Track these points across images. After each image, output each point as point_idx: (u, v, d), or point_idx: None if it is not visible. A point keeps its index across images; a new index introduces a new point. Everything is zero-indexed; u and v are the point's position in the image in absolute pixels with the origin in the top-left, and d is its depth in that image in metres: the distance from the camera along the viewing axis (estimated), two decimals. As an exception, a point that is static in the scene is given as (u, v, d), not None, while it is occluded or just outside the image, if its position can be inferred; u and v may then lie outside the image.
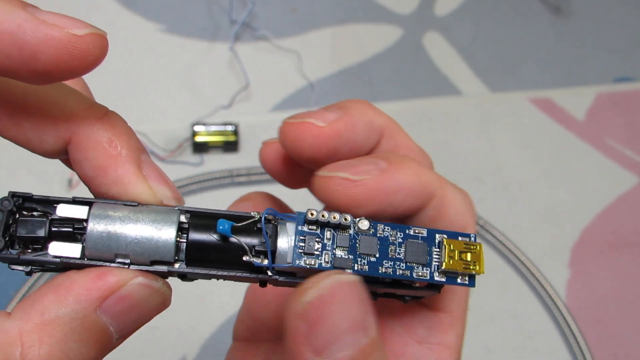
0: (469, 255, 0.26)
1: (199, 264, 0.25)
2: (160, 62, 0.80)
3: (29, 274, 0.25)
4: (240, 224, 0.25)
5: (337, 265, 0.25)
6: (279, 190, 0.77)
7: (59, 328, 0.22)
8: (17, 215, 0.24)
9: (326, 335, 0.23)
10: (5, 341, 0.22)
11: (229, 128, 0.74)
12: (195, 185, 0.73)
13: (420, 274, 0.26)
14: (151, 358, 0.64)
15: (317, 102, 0.79)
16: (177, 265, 0.25)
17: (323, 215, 0.25)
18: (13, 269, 0.25)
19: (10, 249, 0.24)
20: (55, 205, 0.25)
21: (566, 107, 0.82)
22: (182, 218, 0.25)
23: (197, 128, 0.73)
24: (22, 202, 0.25)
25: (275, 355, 0.36)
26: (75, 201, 0.25)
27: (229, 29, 0.83)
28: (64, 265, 0.24)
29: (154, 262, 0.25)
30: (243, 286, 0.66)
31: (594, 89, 0.84)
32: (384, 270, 0.26)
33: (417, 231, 0.26)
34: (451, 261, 0.26)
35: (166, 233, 0.24)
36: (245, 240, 0.25)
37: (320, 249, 0.25)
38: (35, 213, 0.25)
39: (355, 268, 0.25)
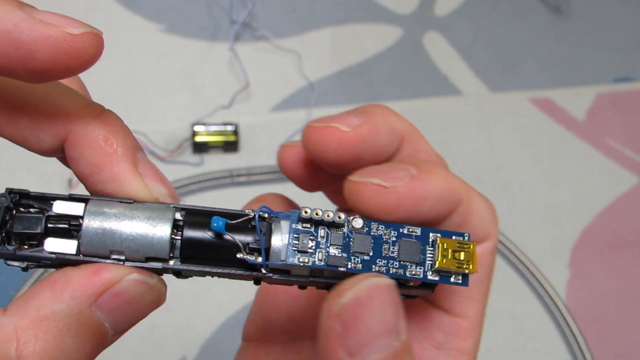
0: (462, 254, 0.26)
1: (193, 261, 0.25)
2: (160, 62, 0.80)
3: (25, 269, 0.25)
4: (235, 222, 0.25)
5: (330, 264, 0.25)
6: (283, 191, 0.77)
7: (54, 324, 0.22)
8: (14, 212, 0.24)
9: (361, 337, 0.24)
10: (0, 337, 0.22)
11: (229, 128, 0.74)
12: (195, 185, 0.73)
13: (413, 272, 0.26)
14: (150, 357, 0.64)
15: (317, 102, 0.79)
16: (171, 262, 0.25)
17: (317, 214, 0.25)
18: (9, 265, 0.25)
19: (6, 245, 0.24)
20: (51, 202, 0.25)
21: (566, 107, 0.82)
22: (177, 215, 0.25)
23: (197, 128, 0.73)
24: (19, 198, 0.25)
25: (287, 356, 0.36)
26: (71, 198, 0.25)
27: (229, 29, 0.83)
28: (60, 262, 0.24)
29: (149, 259, 0.25)
30: (243, 285, 0.66)
31: (594, 89, 0.84)
32: (377, 269, 0.26)
33: (411, 230, 0.26)
34: (444, 260, 0.26)
35: (161, 230, 0.25)
36: (240, 238, 0.25)
37: (314, 247, 0.25)
38: (31, 210, 0.25)
39: (349, 266, 0.25)
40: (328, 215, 0.25)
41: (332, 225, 0.26)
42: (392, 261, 0.26)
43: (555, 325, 0.69)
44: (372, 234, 0.26)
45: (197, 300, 0.67)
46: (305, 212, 0.25)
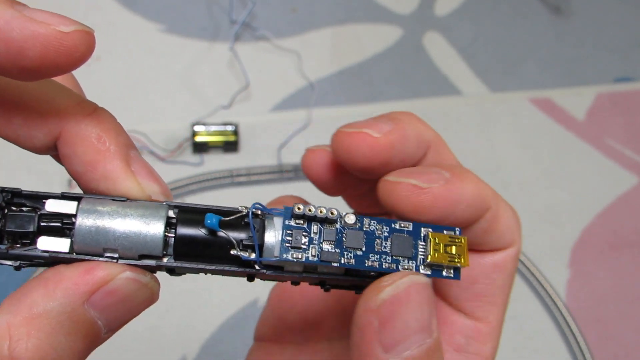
0: (453, 248, 0.26)
1: (187, 258, 0.25)
2: (160, 62, 0.80)
3: (17, 269, 0.25)
4: (228, 218, 0.25)
5: (323, 259, 0.25)
6: (282, 191, 0.77)
7: (47, 322, 0.22)
8: (6, 210, 0.24)
9: (397, 333, 0.24)
10: None
11: (229, 128, 0.74)
12: (195, 185, 0.73)
13: (406, 267, 0.26)
14: (150, 357, 0.64)
15: (317, 102, 0.79)
16: (165, 260, 0.25)
17: (310, 210, 0.25)
18: (1, 264, 0.25)
19: None
20: (44, 200, 0.25)
21: (566, 107, 0.82)
22: (171, 213, 0.25)
23: (197, 128, 0.73)
24: (11, 197, 0.25)
25: (301, 357, 0.36)
26: (64, 196, 0.25)
27: (229, 29, 0.83)
28: (53, 260, 0.24)
29: (142, 257, 0.25)
30: (243, 286, 0.66)
31: (594, 89, 0.84)
32: (370, 264, 0.26)
33: (402, 225, 0.27)
34: (436, 254, 0.26)
35: (154, 228, 0.25)
36: (233, 235, 0.25)
37: (307, 243, 0.25)
38: (24, 208, 0.25)
39: (342, 262, 0.26)
40: (321, 212, 0.26)
41: (324, 221, 0.26)
42: (384, 256, 0.26)
43: (555, 325, 0.69)
44: (364, 229, 0.26)
45: (197, 301, 0.67)
46: (298, 208, 0.25)
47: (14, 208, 0.25)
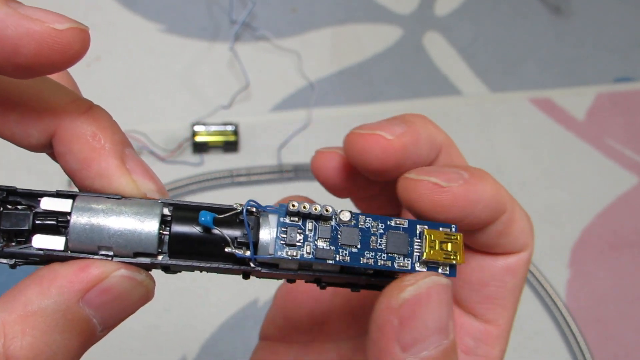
0: (449, 245, 0.26)
1: (181, 256, 0.25)
2: (160, 62, 0.80)
3: (13, 267, 0.25)
4: (222, 216, 0.25)
5: (318, 257, 0.25)
6: (282, 191, 0.77)
7: (41, 319, 0.22)
8: (1, 209, 0.24)
9: (416, 332, 0.24)
10: None
11: (229, 128, 0.74)
12: (195, 185, 0.73)
13: (401, 264, 0.26)
14: (150, 357, 0.64)
15: (317, 102, 0.79)
16: (160, 258, 0.25)
17: (304, 207, 0.25)
18: None
19: None
20: (39, 198, 0.25)
21: (566, 107, 0.82)
22: (165, 211, 0.25)
23: (197, 128, 0.73)
24: (6, 195, 0.25)
25: (306, 356, 0.36)
26: (59, 194, 0.25)
27: (229, 29, 0.83)
28: (48, 258, 0.25)
29: (137, 254, 0.25)
30: (243, 285, 0.66)
31: (594, 89, 0.84)
32: (365, 261, 0.26)
33: (398, 222, 0.26)
34: (432, 251, 0.26)
35: (149, 225, 0.24)
36: (228, 232, 0.25)
37: (302, 240, 0.25)
38: (19, 206, 0.25)
39: (337, 259, 0.25)
40: (316, 209, 0.25)
41: (319, 218, 0.26)
42: (379, 253, 0.26)
43: (555, 325, 0.69)
44: (359, 226, 0.26)
45: (196, 300, 0.67)
46: (293, 205, 0.25)
47: (9, 206, 0.25)
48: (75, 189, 0.26)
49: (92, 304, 0.23)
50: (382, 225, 0.26)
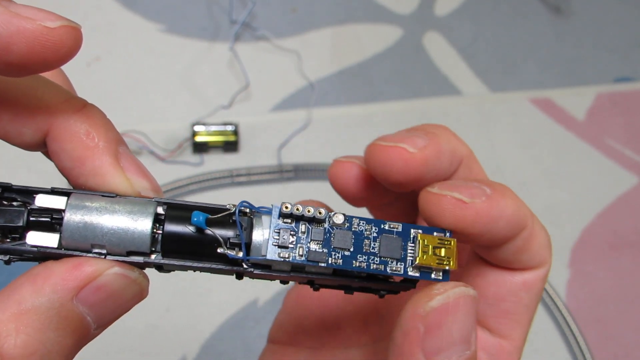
0: (443, 250, 0.26)
1: (174, 255, 0.25)
2: (160, 62, 0.80)
3: (7, 263, 0.25)
4: (215, 216, 0.25)
5: (310, 259, 0.25)
6: (282, 192, 0.77)
7: (35, 317, 0.22)
8: None
9: (440, 341, 0.25)
10: None
11: (229, 128, 0.74)
12: (195, 185, 0.73)
13: (394, 268, 0.26)
14: (151, 357, 0.64)
15: (317, 102, 0.79)
16: (153, 257, 0.25)
17: (297, 209, 0.25)
18: None
19: None
20: (34, 195, 0.25)
21: (566, 107, 0.82)
22: (159, 210, 0.25)
23: (197, 128, 0.73)
24: (2, 191, 0.25)
25: None
26: (53, 191, 0.25)
27: (229, 29, 0.83)
28: (42, 255, 0.25)
29: (130, 253, 0.25)
30: (243, 286, 0.66)
31: (594, 89, 0.84)
32: (357, 265, 0.26)
33: (392, 226, 0.26)
34: (425, 256, 0.26)
35: (142, 224, 0.25)
36: (220, 233, 0.25)
37: (294, 242, 0.25)
38: (14, 203, 0.25)
39: (329, 262, 0.25)
40: (309, 211, 0.25)
41: (313, 220, 0.26)
42: (372, 257, 0.26)
43: (555, 325, 0.69)
44: (353, 229, 0.26)
45: (197, 300, 0.67)
46: (286, 207, 0.25)
47: (4, 202, 0.25)
48: (71, 187, 0.26)
49: (86, 301, 0.23)
50: (375, 229, 0.26)
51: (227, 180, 0.73)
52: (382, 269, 0.26)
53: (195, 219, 0.25)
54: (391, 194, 0.32)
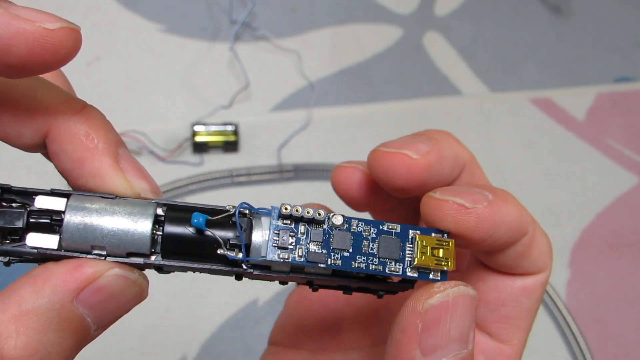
0: (441, 251, 0.26)
1: (174, 256, 0.25)
2: (160, 62, 0.80)
3: (7, 264, 0.25)
4: (215, 218, 0.25)
5: (310, 260, 0.25)
6: (282, 192, 0.77)
7: (36, 319, 0.22)
8: None
9: (437, 339, 0.25)
10: None
11: (229, 128, 0.74)
12: (195, 185, 0.73)
13: (392, 269, 0.26)
14: (151, 357, 0.64)
15: (317, 102, 0.79)
16: (153, 258, 0.25)
17: (297, 210, 0.25)
18: None
19: None
20: (34, 196, 0.25)
21: (566, 107, 0.82)
22: (159, 211, 0.25)
23: (197, 128, 0.73)
24: (1, 193, 0.25)
25: None
26: (53, 193, 0.25)
27: (229, 29, 0.83)
28: (42, 256, 0.25)
29: (130, 254, 0.25)
30: (243, 286, 0.66)
31: (594, 89, 0.84)
32: (356, 265, 0.26)
33: (390, 227, 0.27)
34: (423, 257, 0.26)
35: (142, 225, 0.25)
36: (220, 234, 0.25)
37: (294, 243, 0.26)
38: (14, 204, 0.25)
39: (329, 262, 0.26)
40: (308, 212, 0.25)
41: (312, 221, 0.26)
42: (371, 257, 0.26)
43: (555, 325, 0.69)
44: (352, 230, 0.26)
45: (197, 301, 0.67)
46: (286, 208, 0.25)
47: (4, 204, 0.25)
48: (71, 188, 0.26)
49: (86, 303, 0.23)
50: (374, 230, 0.26)
51: (227, 180, 0.73)
52: (381, 270, 0.26)
53: (195, 221, 0.25)
54: (394, 200, 0.32)
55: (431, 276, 0.26)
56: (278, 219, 0.26)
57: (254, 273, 0.26)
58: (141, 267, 0.25)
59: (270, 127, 0.77)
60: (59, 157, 0.25)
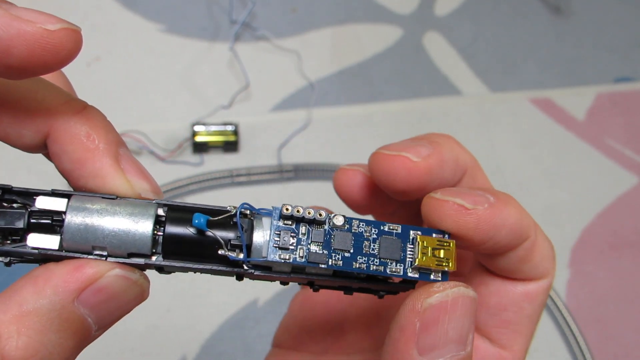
0: (442, 252, 0.26)
1: (175, 257, 0.25)
2: (160, 62, 0.80)
3: (8, 265, 0.25)
4: (216, 218, 0.25)
5: (311, 260, 0.25)
6: (282, 192, 0.77)
7: (37, 319, 0.22)
8: None
9: (435, 339, 0.25)
10: None
11: (229, 128, 0.74)
12: (195, 185, 0.73)
13: (393, 270, 0.26)
14: (151, 357, 0.64)
15: (317, 102, 0.79)
16: (154, 258, 0.25)
17: (298, 211, 0.25)
18: None
19: None
20: (34, 197, 0.25)
21: (566, 107, 0.82)
22: (160, 211, 0.25)
23: (197, 128, 0.73)
24: (2, 193, 0.25)
25: None
26: (54, 193, 0.25)
27: (229, 29, 0.83)
28: (43, 257, 0.25)
29: (131, 255, 0.25)
30: (243, 286, 0.66)
31: (594, 89, 0.84)
32: (357, 266, 0.26)
33: (391, 227, 0.27)
34: (424, 258, 0.26)
35: (143, 226, 0.25)
36: (221, 234, 0.25)
37: (295, 244, 0.26)
38: (14, 205, 0.25)
39: (330, 263, 0.26)
40: (309, 213, 0.25)
41: (313, 222, 0.26)
42: (372, 258, 0.26)
43: (555, 325, 0.69)
44: (353, 231, 0.26)
45: (197, 301, 0.67)
46: (287, 209, 0.25)
47: (4, 204, 0.25)
48: (71, 189, 0.26)
49: (87, 303, 0.23)
50: (375, 230, 0.26)
51: (227, 180, 0.73)
52: (382, 270, 0.26)
53: (196, 221, 0.25)
54: (395, 202, 0.32)
55: (432, 277, 0.26)
56: (279, 220, 0.26)
57: (255, 273, 0.26)
58: (142, 268, 0.25)
59: (270, 127, 0.77)
60: (60, 158, 0.25)
